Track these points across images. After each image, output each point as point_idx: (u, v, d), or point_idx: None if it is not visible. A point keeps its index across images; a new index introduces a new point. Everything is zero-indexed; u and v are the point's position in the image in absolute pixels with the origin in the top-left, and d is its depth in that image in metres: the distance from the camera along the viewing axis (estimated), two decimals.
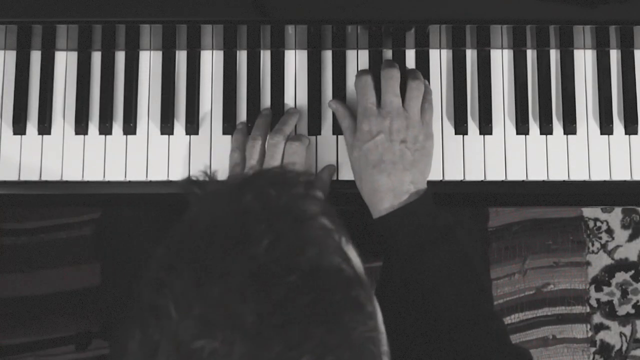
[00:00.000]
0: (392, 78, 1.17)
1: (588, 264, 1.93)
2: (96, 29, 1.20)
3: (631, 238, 1.94)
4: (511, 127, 1.23)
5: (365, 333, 0.72)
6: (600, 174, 1.22)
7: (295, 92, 1.23)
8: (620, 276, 1.93)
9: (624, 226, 1.94)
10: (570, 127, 1.22)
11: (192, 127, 1.22)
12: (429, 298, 1.09)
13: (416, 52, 1.24)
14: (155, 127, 1.22)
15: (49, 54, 1.23)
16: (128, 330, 0.73)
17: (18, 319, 1.83)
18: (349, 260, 0.75)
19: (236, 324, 0.68)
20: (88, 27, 1.20)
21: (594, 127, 1.23)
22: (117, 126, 1.22)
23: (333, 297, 0.70)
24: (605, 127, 1.23)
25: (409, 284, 1.10)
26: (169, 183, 1.21)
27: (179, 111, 1.23)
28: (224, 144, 1.22)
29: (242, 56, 1.24)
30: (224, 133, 1.22)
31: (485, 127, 1.22)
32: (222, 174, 1.20)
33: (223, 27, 1.20)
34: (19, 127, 1.21)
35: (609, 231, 1.94)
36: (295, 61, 1.24)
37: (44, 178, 1.21)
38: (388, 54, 1.24)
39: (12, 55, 1.23)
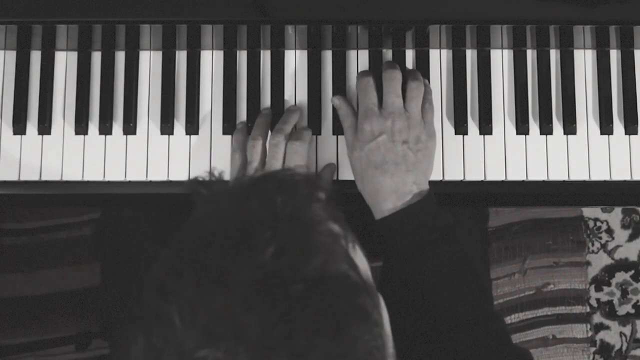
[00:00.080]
0: (393, 79, 1.17)
1: (588, 264, 1.93)
2: (96, 29, 1.20)
3: (631, 238, 1.94)
4: (511, 127, 1.23)
5: (370, 342, 0.71)
6: (600, 174, 1.22)
7: (295, 92, 1.23)
8: (620, 276, 1.93)
9: (624, 226, 1.94)
10: (570, 127, 1.22)
11: (192, 127, 1.22)
12: (429, 298, 1.09)
13: (416, 52, 1.24)
14: (155, 127, 1.22)
15: (49, 54, 1.23)
16: (131, 333, 0.72)
17: (18, 319, 1.83)
18: (356, 266, 0.74)
19: (240, 334, 0.68)
20: (88, 27, 1.20)
21: (594, 127, 1.23)
22: (117, 126, 1.22)
23: (339, 307, 0.70)
24: (605, 127, 1.23)
25: (409, 284, 1.10)
26: (169, 183, 1.21)
27: (179, 111, 1.23)
28: (224, 144, 1.22)
29: (242, 56, 1.24)
30: (224, 133, 1.22)
31: (485, 127, 1.22)
32: (225, 174, 1.20)
33: (223, 27, 1.20)
34: (19, 127, 1.21)
35: (609, 231, 1.94)
36: (295, 61, 1.24)
37: (44, 178, 1.21)
38: (388, 54, 1.24)
39: (12, 55, 1.23)
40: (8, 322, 1.83)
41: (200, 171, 1.21)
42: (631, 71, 1.24)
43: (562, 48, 1.24)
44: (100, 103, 1.22)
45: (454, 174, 1.21)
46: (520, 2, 1.17)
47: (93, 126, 1.22)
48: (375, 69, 1.22)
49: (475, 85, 1.24)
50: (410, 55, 1.24)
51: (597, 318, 1.91)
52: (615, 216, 1.94)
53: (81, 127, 1.21)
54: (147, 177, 1.21)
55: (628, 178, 1.22)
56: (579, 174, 1.22)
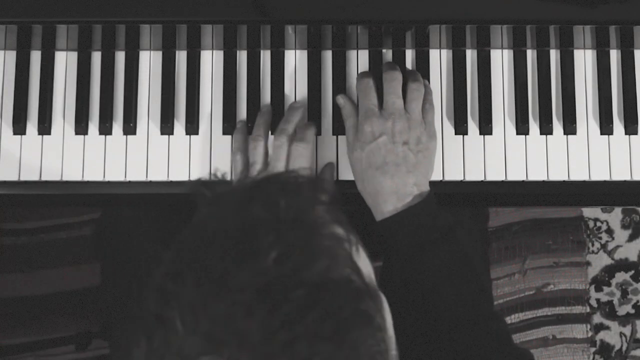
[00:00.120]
0: (394, 80, 1.17)
1: (588, 264, 1.93)
2: (96, 29, 1.20)
3: (631, 238, 1.94)
4: (511, 127, 1.23)
5: (373, 347, 0.71)
6: (600, 174, 1.22)
7: (295, 92, 1.23)
8: (620, 276, 1.93)
9: (624, 226, 1.94)
10: (570, 127, 1.22)
11: (192, 127, 1.22)
12: (429, 298, 1.09)
13: (416, 52, 1.24)
14: (155, 127, 1.22)
15: (49, 54, 1.23)
16: (133, 335, 0.72)
17: (18, 319, 1.83)
18: (359, 270, 0.73)
19: (242, 341, 0.67)
20: (88, 27, 1.20)
21: (594, 127, 1.23)
22: (117, 126, 1.22)
23: (341, 312, 0.69)
24: (605, 127, 1.23)
25: (408, 284, 1.10)
26: (169, 183, 1.21)
27: (179, 111, 1.23)
28: (224, 144, 1.22)
29: (242, 56, 1.24)
30: (224, 133, 1.22)
31: (485, 127, 1.22)
32: (226, 175, 1.20)
33: (223, 27, 1.20)
34: (19, 127, 1.21)
35: (609, 231, 1.94)
36: (295, 61, 1.24)
37: (44, 178, 1.21)
38: (388, 54, 1.24)
39: (12, 55, 1.23)
40: (8, 322, 1.83)
41: (200, 171, 1.21)
42: (631, 71, 1.24)
43: (562, 48, 1.24)
44: (100, 103, 1.22)
45: (454, 174, 1.21)
46: (520, 2, 1.17)
47: (93, 126, 1.22)
48: (375, 69, 1.22)
49: (475, 85, 1.24)
50: (410, 55, 1.24)
51: (597, 318, 1.91)
52: (615, 216, 1.94)
53: (81, 127, 1.21)
54: (147, 177, 1.21)
55: (628, 178, 1.22)
56: (579, 174, 1.22)
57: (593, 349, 1.90)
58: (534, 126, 1.23)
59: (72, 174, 1.21)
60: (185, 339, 0.69)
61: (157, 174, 1.21)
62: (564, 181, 1.22)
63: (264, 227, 0.71)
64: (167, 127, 1.21)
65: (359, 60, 1.24)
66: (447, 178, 1.21)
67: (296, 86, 1.23)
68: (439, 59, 1.24)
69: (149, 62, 1.24)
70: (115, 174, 1.21)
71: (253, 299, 0.68)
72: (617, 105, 1.24)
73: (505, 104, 1.24)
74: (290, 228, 0.71)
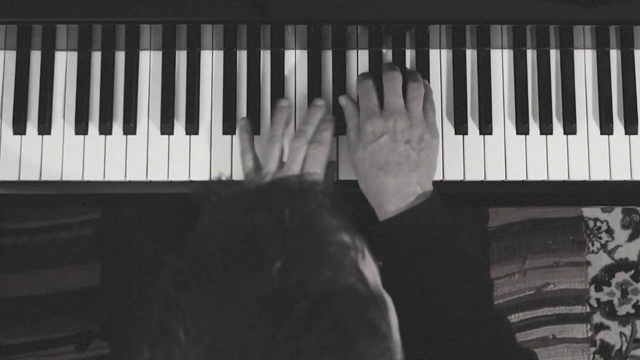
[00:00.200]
0: (394, 80, 1.17)
1: (588, 264, 1.93)
2: (96, 29, 1.20)
3: (631, 238, 1.94)
4: (511, 127, 1.23)
5: (378, 357, 0.70)
6: (600, 174, 1.22)
7: (295, 92, 1.23)
8: (620, 276, 1.93)
9: (624, 226, 1.94)
10: (570, 127, 1.22)
11: (192, 127, 1.22)
12: (429, 298, 1.09)
13: (416, 52, 1.24)
14: (155, 127, 1.22)
15: (49, 54, 1.23)
16: (137, 343, 0.72)
17: (18, 319, 1.83)
18: (364, 279, 0.73)
19: (245, 354, 0.67)
20: (88, 27, 1.20)
21: (594, 127, 1.23)
22: (117, 126, 1.22)
23: (347, 323, 0.68)
24: (605, 127, 1.23)
25: (409, 284, 1.10)
26: (169, 183, 1.21)
27: (179, 111, 1.23)
28: (224, 144, 1.22)
29: (242, 56, 1.24)
30: (224, 133, 1.22)
31: (485, 127, 1.22)
32: (225, 173, 1.20)
33: (223, 27, 1.20)
34: (19, 127, 1.21)
35: (609, 231, 1.94)
36: (295, 61, 1.24)
37: (44, 178, 1.21)
38: (388, 54, 1.24)
39: (12, 55, 1.23)
40: (8, 322, 1.83)
41: (200, 171, 1.21)
42: (631, 71, 1.24)
43: (562, 48, 1.24)
44: (100, 103, 1.22)
45: (454, 174, 1.21)
46: (520, 2, 1.17)
47: (93, 126, 1.22)
48: (375, 70, 1.22)
49: (475, 85, 1.24)
50: (410, 55, 1.24)
51: (597, 318, 1.91)
52: (615, 216, 1.94)
53: (81, 127, 1.21)
54: (147, 177, 1.21)
55: (628, 178, 1.22)
56: (579, 174, 1.22)
57: (593, 349, 1.90)
58: (534, 126, 1.23)
59: (72, 174, 1.21)
60: (188, 351, 0.68)
61: (157, 174, 1.21)
62: (564, 181, 1.22)
63: (268, 236, 0.70)
64: (167, 127, 1.21)
65: (359, 60, 1.24)
66: (447, 178, 1.21)
67: (296, 86, 1.23)
68: (439, 59, 1.24)
69: (149, 62, 1.24)
70: (115, 174, 1.21)
71: (256, 311, 0.68)
72: (617, 105, 1.24)
73: (505, 104, 1.24)
74: (295, 237, 0.70)
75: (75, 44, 1.22)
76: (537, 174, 1.22)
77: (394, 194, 1.11)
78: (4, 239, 1.85)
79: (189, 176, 1.21)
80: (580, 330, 1.90)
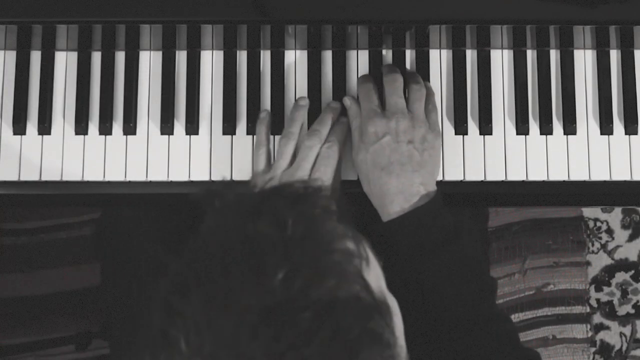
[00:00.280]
0: (395, 82, 1.17)
1: (588, 264, 1.93)
2: (96, 29, 1.20)
3: (631, 238, 1.94)
4: (511, 127, 1.23)
5: None
6: (600, 174, 1.22)
7: (295, 92, 1.23)
8: (620, 276, 1.93)
9: (624, 226, 1.94)
10: (570, 127, 1.22)
11: (192, 127, 1.22)
12: (431, 298, 1.09)
13: (416, 52, 1.24)
14: (155, 127, 1.22)
15: (49, 54, 1.23)
16: (138, 350, 0.71)
17: (18, 319, 1.83)
18: (368, 286, 0.72)
19: None
20: (88, 27, 1.20)
21: (594, 127, 1.23)
22: (117, 126, 1.22)
23: (350, 333, 0.68)
24: (605, 127, 1.23)
25: (409, 284, 1.10)
26: (169, 183, 1.21)
27: (179, 111, 1.23)
28: (224, 144, 1.22)
29: (242, 56, 1.24)
30: (224, 133, 1.22)
31: (485, 127, 1.22)
32: (225, 173, 1.20)
33: (223, 27, 1.20)
34: (19, 127, 1.21)
35: (609, 231, 1.94)
36: (295, 61, 1.24)
37: (44, 178, 1.21)
38: (388, 54, 1.24)
39: (12, 55, 1.23)
40: (8, 322, 1.83)
41: (200, 171, 1.21)
42: (631, 71, 1.24)
43: (562, 48, 1.24)
44: (100, 103, 1.22)
45: (454, 174, 1.21)
46: (520, 2, 1.17)
47: (93, 126, 1.22)
48: (375, 70, 1.22)
49: (475, 85, 1.24)
50: (410, 56, 1.24)
51: (597, 318, 1.91)
52: (615, 216, 1.94)
53: (81, 127, 1.21)
54: (147, 177, 1.21)
55: (628, 178, 1.22)
56: (579, 174, 1.22)
57: (593, 349, 1.90)
58: (534, 126, 1.23)
59: (72, 174, 1.21)
60: None
61: (157, 174, 1.21)
62: (564, 181, 1.22)
63: (270, 245, 0.70)
64: (167, 127, 1.21)
65: (359, 60, 1.24)
66: (447, 178, 1.21)
67: (296, 86, 1.23)
68: (439, 59, 1.24)
69: (149, 62, 1.24)
70: (115, 174, 1.21)
71: (258, 321, 0.67)
72: (617, 105, 1.24)
73: (505, 104, 1.24)
74: (298, 246, 0.70)
75: (75, 44, 1.22)
76: (537, 174, 1.22)
77: (397, 194, 1.11)
78: (4, 239, 1.85)
79: (189, 176, 1.21)
80: (580, 331, 1.90)
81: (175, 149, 1.22)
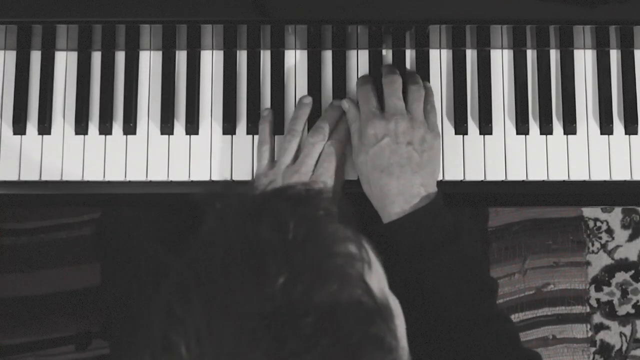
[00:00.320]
0: (394, 83, 1.17)
1: (588, 264, 1.93)
2: (96, 29, 1.20)
3: (631, 238, 1.94)
4: (511, 127, 1.23)
5: None
6: (600, 174, 1.22)
7: (295, 92, 1.23)
8: (620, 276, 1.93)
9: (624, 226, 1.94)
10: (570, 127, 1.22)
11: (192, 127, 1.22)
12: (431, 298, 1.09)
13: (416, 52, 1.24)
14: (155, 127, 1.22)
15: (49, 54, 1.23)
16: (138, 351, 0.71)
17: (18, 319, 1.83)
18: (370, 290, 0.71)
19: None
20: (88, 27, 1.20)
21: (594, 127, 1.23)
22: (117, 126, 1.22)
23: (351, 338, 0.67)
24: (605, 127, 1.23)
25: (409, 284, 1.10)
26: (169, 183, 1.21)
27: (179, 111, 1.23)
28: (224, 144, 1.22)
29: (242, 56, 1.24)
30: (224, 133, 1.22)
31: (485, 127, 1.22)
32: (225, 173, 1.20)
33: (223, 27, 1.20)
34: (19, 127, 1.21)
35: (609, 231, 1.94)
36: (295, 61, 1.24)
37: (44, 178, 1.21)
38: (388, 54, 1.24)
39: (12, 55, 1.23)
40: (8, 322, 1.83)
41: (200, 171, 1.21)
42: (631, 71, 1.24)
43: (562, 48, 1.24)
44: (100, 103, 1.22)
45: (454, 174, 1.21)
46: (520, 2, 1.17)
47: (93, 126, 1.22)
48: (375, 70, 1.22)
49: (475, 85, 1.24)
50: (410, 56, 1.24)
51: (597, 318, 1.91)
52: (615, 216, 1.94)
53: (81, 127, 1.21)
54: (147, 177, 1.21)
55: (628, 178, 1.22)
56: (579, 174, 1.22)
57: (593, 349, 1.90)
58: (534, 126, 1.23)
59: (72, 174, 1.21)
60: None
61: (157, 174, 1.21)
62: (564, 181, 1.22)
63: (272, 250, 0.69)
64: (167, 127, 1.21)
65: (359, 60, 1.24)
66: (447, 178, 1.21)
67: (296, 86, 1.23)
68: (439, 59, 1.24)
69: (149, 62, 1.24)
70: (115, 174, 1.21)
71: (259, 326, 0.66)
72: (617, 105, 1.24)
73: (505, 104, 1.24)
74: (299, 250, 0.69)
75: (75, 44, 1.22)
76: (537, 174, 1.22)
77: (397, 195, 1.11)
78: (4, 239, 1.85)
79: (189, 176, 1.21)
80: (580, 331, 1.90)
81: (175, 148, 1.22)
